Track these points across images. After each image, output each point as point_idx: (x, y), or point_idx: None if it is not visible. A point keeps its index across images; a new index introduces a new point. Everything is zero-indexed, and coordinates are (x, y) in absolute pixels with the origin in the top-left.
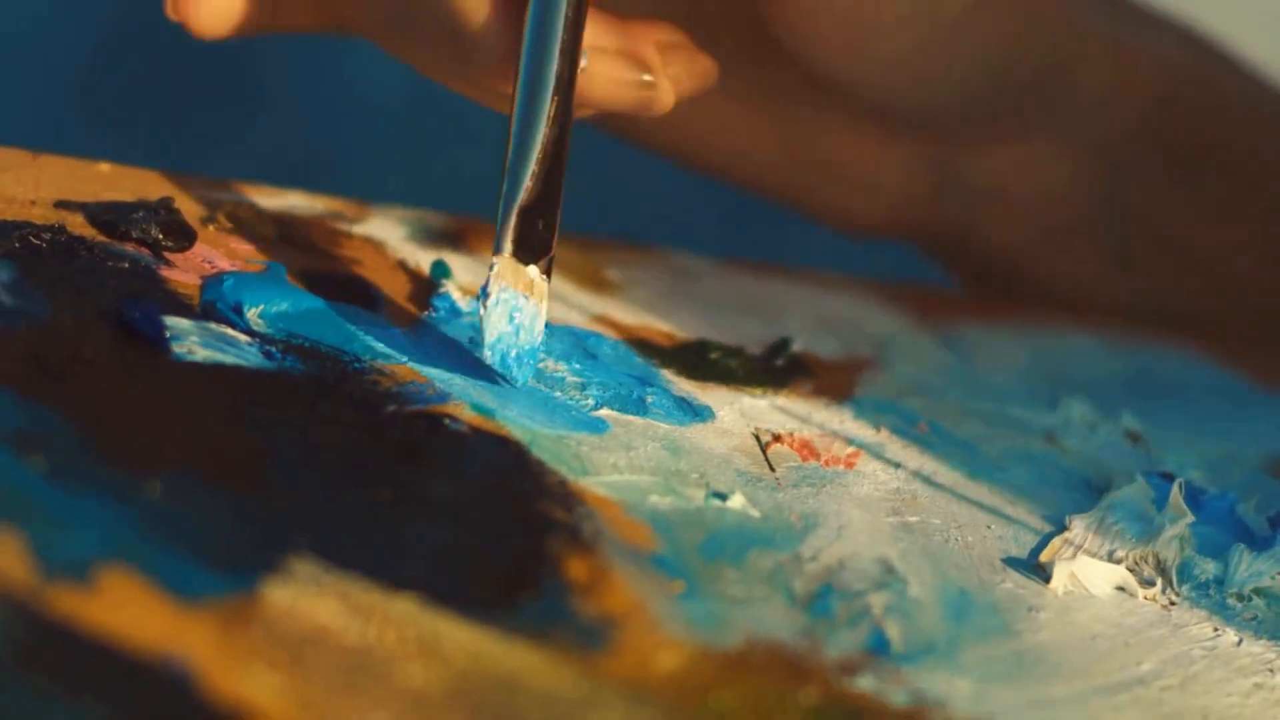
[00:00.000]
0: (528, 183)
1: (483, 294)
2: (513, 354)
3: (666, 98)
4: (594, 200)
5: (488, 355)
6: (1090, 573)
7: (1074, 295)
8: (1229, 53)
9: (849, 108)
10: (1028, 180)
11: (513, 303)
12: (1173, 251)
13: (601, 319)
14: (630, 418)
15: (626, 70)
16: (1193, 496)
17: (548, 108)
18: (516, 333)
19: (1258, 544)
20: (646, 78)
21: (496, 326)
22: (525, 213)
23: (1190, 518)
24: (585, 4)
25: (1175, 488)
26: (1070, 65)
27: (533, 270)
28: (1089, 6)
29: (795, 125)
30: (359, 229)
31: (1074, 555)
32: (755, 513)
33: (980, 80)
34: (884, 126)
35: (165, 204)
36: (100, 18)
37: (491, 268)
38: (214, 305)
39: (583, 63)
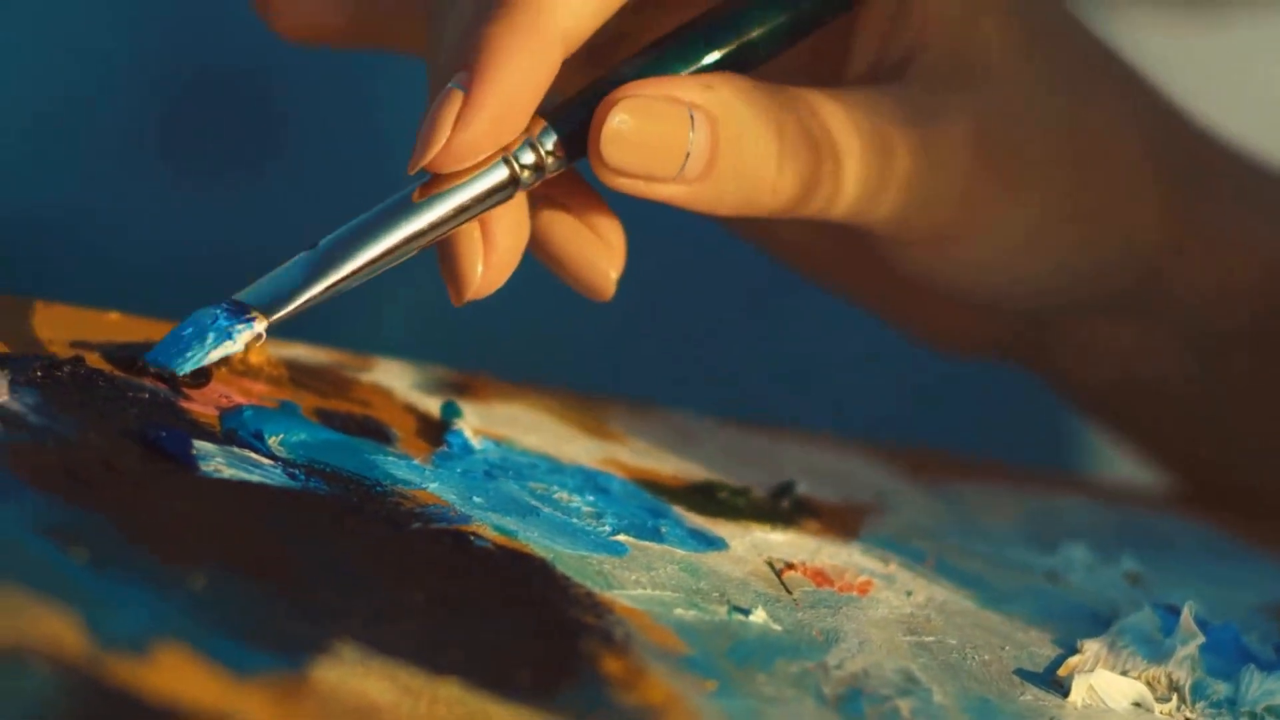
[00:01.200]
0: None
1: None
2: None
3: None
4: (592, 360)
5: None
6: (1108, 687)
7: (1140, 433)
8: None
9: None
10: (1117, 352)
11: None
12: (1263, 420)
13: (608, 461)
14: (647, 543)
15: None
16: (1198, 624)
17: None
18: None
19: (1265, 667)
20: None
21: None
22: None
23: (1201, 638)
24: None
25: (1186, 609)
26: (1165, 266)
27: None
28: (1189, 200)
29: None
30: (365, 377)
31: (1091, 670)
32: (777, 626)
33: (1068, 284)
34: (973, 310)
35: None
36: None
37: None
38: (235, 433)
39: None
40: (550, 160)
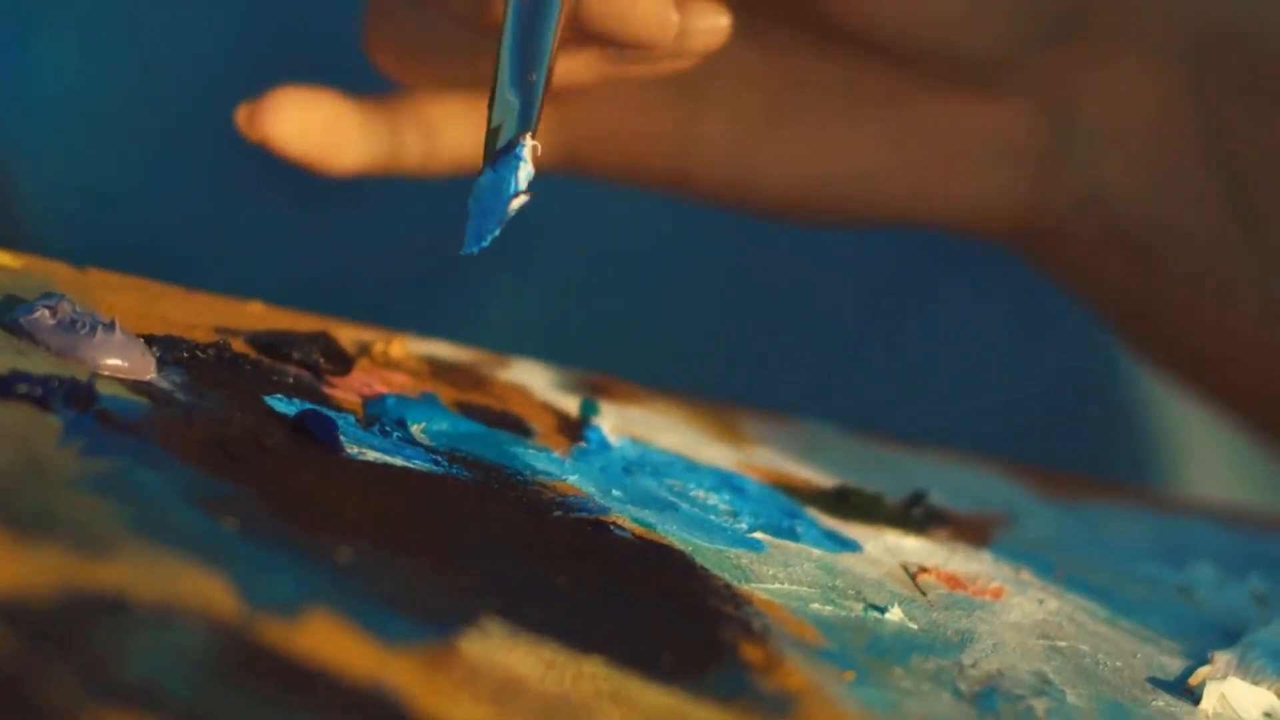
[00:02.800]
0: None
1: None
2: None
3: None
4: (727, 365)
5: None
6: (1240, 695)
7: (1203, 269)
8: None
9: (937, 82)
10: (1128, 109)
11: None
12: None
13: (743, 464)
14: (783, 541)
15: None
16: None
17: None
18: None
19: None
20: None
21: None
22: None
23: None
24: None
25: None
26: None
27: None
28: None
29: (901, 124)
30: (503, 375)
31: (1223, 678)
32: (913, 625)
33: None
34: (978, 89)
35: (323, 334)
36: None
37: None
38: (378, 419)
39: None
40: None
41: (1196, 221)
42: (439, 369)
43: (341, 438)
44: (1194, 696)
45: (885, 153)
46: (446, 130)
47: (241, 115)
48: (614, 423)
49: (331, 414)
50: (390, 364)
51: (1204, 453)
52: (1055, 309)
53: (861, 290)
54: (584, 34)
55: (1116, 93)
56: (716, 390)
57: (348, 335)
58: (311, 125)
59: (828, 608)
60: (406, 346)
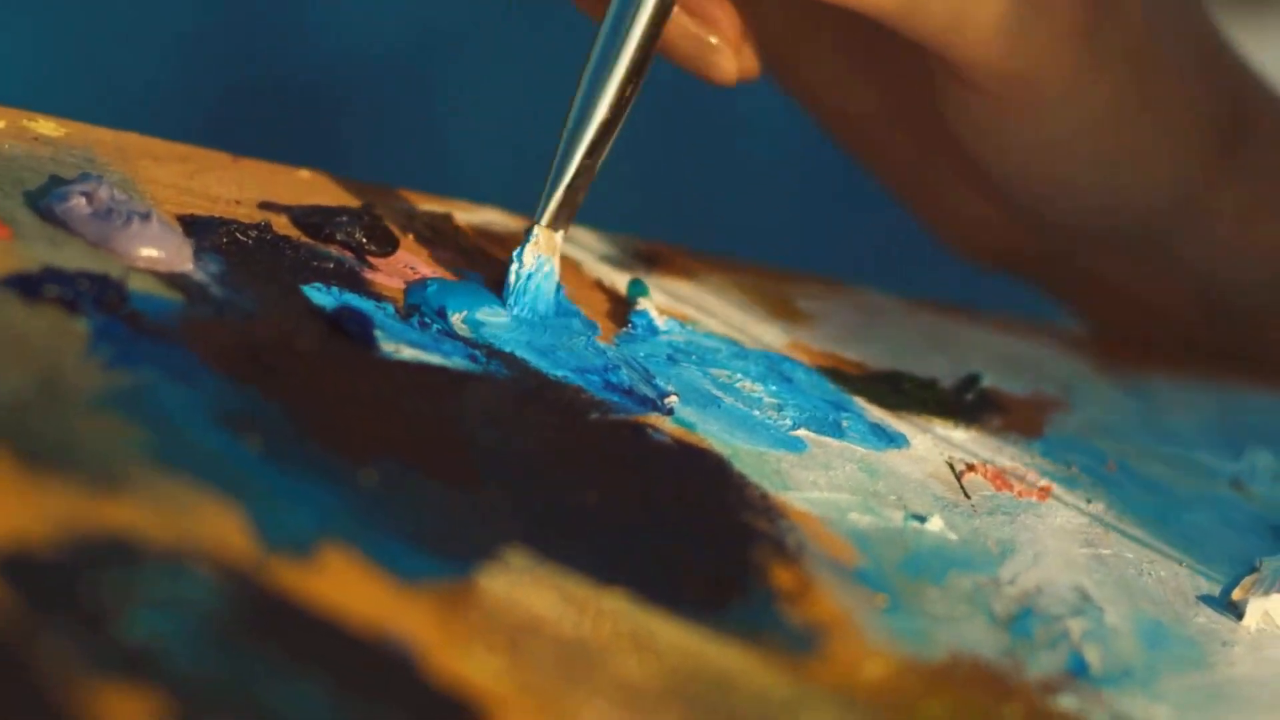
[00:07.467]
0: (579, 159)
1: (519, 259)
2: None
3: (728, 66)
4: (788, 234)
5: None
6: None
7: (1168, 330)
8: None
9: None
10: (1130, 292)
11: (550, 269)
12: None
13: (794, 345)
14: (827, 439)
15: (691, 23)
16: None
17: (613, 92)
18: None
19: None
20: (712, 40)
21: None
22: (570, 186)
23: None
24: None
25: None
26: (1200, 206)
27: (559, 236)
28: (1234, 147)
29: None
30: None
31: (1266, 593)
32: (953, 535)
33: (1111, 197)
34: None
35: (368, 209)
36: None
37: (530, 237)
38: (418, 309)
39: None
40: None
41: (1166, 299)
42: (488, 242)
43: (377, 334)
44: (1237, 611)
45: (908, 150)
46: None
47: None
48: (663, 302)
49: (369, 306)
50: (437, 238)
51: None
52: None
53: None
54: None
55: None
56: (773, 259)
57: (398, 207)
58: None
59: (866, 517)
60: (457, 218)
